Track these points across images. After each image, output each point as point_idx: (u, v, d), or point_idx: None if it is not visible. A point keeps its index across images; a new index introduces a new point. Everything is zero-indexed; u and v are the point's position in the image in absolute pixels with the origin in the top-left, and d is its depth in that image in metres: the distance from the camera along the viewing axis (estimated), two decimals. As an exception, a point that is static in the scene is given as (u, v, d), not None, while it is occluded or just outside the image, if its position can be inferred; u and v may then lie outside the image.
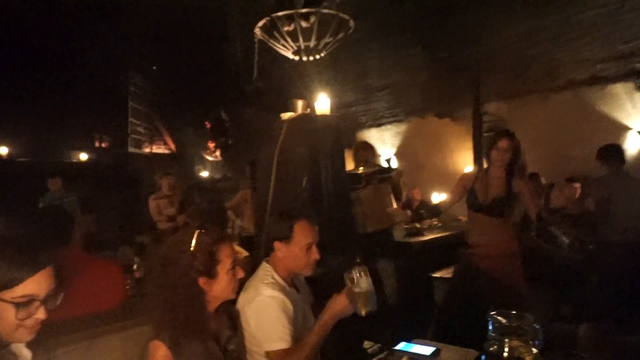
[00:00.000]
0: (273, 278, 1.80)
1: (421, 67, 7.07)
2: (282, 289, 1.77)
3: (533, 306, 2.75)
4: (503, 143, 2.64)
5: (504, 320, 1.26)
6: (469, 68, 6.53)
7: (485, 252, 2.69)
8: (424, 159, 8.11)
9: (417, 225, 5.69)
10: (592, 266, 3.69)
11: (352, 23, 2.56)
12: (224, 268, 1.48)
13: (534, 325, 1.28)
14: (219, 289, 1.48)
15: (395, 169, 4.10)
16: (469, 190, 2.78)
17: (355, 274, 1.67)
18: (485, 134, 7.09)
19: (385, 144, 8.79)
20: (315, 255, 1.84)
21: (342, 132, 2.58)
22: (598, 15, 5.38)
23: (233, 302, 1.70)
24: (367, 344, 2.64)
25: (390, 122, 8.45)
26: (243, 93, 7.65)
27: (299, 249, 1.81)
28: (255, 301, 1.71)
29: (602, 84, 5.94)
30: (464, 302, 2.61)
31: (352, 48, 7.09)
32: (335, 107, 9.07)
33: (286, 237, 1.81)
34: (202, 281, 1.44)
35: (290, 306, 1.74)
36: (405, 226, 5.69)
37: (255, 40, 2.60)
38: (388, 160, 8.78)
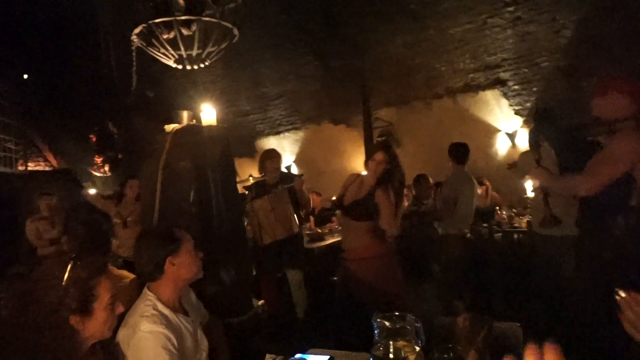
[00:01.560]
0: (155, 309, 1.66)
1: (314, 76, 7.24)
2: (164, 320, 1.64)
3: (416, 303, 2.93)
4: (379, 156, 2.79)
5: (387, 324, 1.30)
6: (359, 76, 6.84)
7: (353, 256, 2.80)
8: (322, 164, 8.31)
9: (319, 230, 5.79)
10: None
11: (236, 32, 2.50)
12: (101, 304, 1.33)
13: (416, 324, 1.34)
14: (94, 327, 1.32)
15: (298, 175, 4.06)
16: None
17: None
18: (378, 139, 7.47)
19: (285, 151, 8.84)
20: (200, 254, 1.82)
21: (231, 142, 2.51)
22: (467, 31, 5.97)
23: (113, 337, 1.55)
24: (268, 357, 2.60)
25: (288, 130, 8.53)
26: (132, 103, 7.17)
27: (188, 254, 1.76)
28: (134, 338, 1.57)
29: (475, 91, 6.61)
30: (350, 307, 2.69)
31: (244, 57, 7.03)
32: (232, 116, 8.86)
33: (176, 248, 1.73)
34: (74, 320, 1.27)
35: (173, 339, 1.62)
36: (307, 232, 5.76)
37: (133, 47, 2.43)
38: (288, 168, 8.85)
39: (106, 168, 10.30)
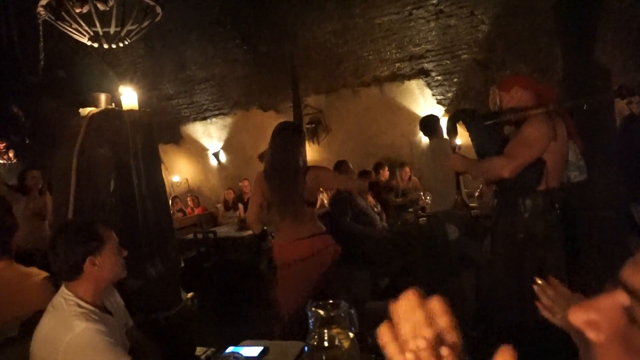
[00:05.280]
0: (79, 306, 1.53)
1: (242, 60, 7.05)
2: (96, 316, 1.52)
3: (351, 288, 3.00)
4: None
5: (322, 312, 1.30)
6: (288, 63, 6.76)
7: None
8: (251, 151, 8.15)
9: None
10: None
11: (158, 10, 2.34)
12: None
13: (350, 311, 1.35)
14: None
15: None
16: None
17: None
18: (307, 126, 7.47)
19: (212, 137, 8.57)
20: (124, 253, 1.68)
21: (155, 128, 2.36)
22: (393, 21, 6.11)
23: None
24: (199, 350, 2.52)
25: (215, 116, 8.27)
26: (40, 83, 6.53)
27: (112, 253, 1.61)
28: (68, 340, 1.42)
29: (401, 80, 6.81)
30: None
31: (168, 37, 6.66)
32: (156, 100, 8.36)
33: (98, 247, 1.57)
34: None
35: (109, 335, 1.51)
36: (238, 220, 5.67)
37: (39, 21, 2.19)
38: (216, 154, 8.60)
39: (11, 154, 9.38)
